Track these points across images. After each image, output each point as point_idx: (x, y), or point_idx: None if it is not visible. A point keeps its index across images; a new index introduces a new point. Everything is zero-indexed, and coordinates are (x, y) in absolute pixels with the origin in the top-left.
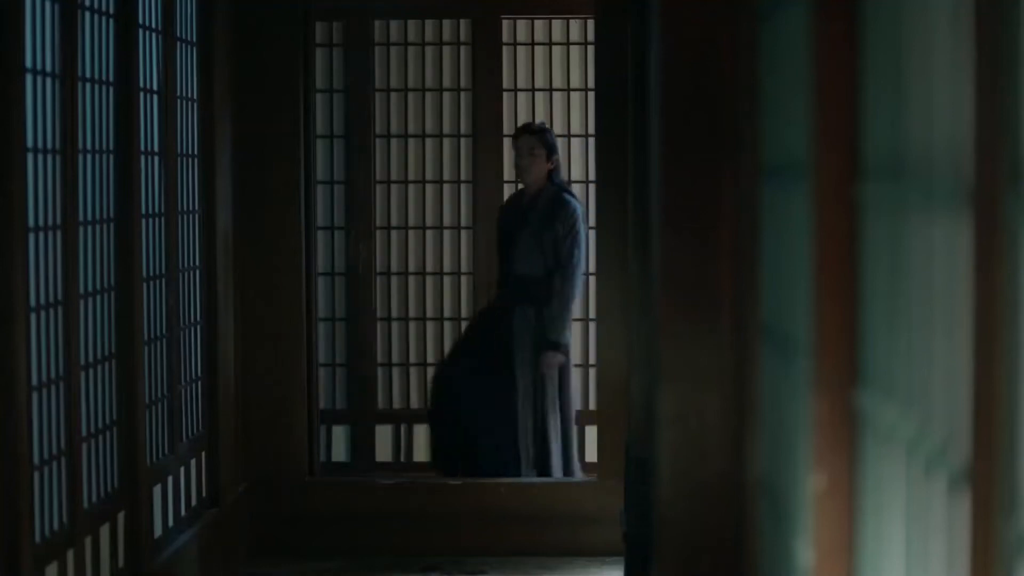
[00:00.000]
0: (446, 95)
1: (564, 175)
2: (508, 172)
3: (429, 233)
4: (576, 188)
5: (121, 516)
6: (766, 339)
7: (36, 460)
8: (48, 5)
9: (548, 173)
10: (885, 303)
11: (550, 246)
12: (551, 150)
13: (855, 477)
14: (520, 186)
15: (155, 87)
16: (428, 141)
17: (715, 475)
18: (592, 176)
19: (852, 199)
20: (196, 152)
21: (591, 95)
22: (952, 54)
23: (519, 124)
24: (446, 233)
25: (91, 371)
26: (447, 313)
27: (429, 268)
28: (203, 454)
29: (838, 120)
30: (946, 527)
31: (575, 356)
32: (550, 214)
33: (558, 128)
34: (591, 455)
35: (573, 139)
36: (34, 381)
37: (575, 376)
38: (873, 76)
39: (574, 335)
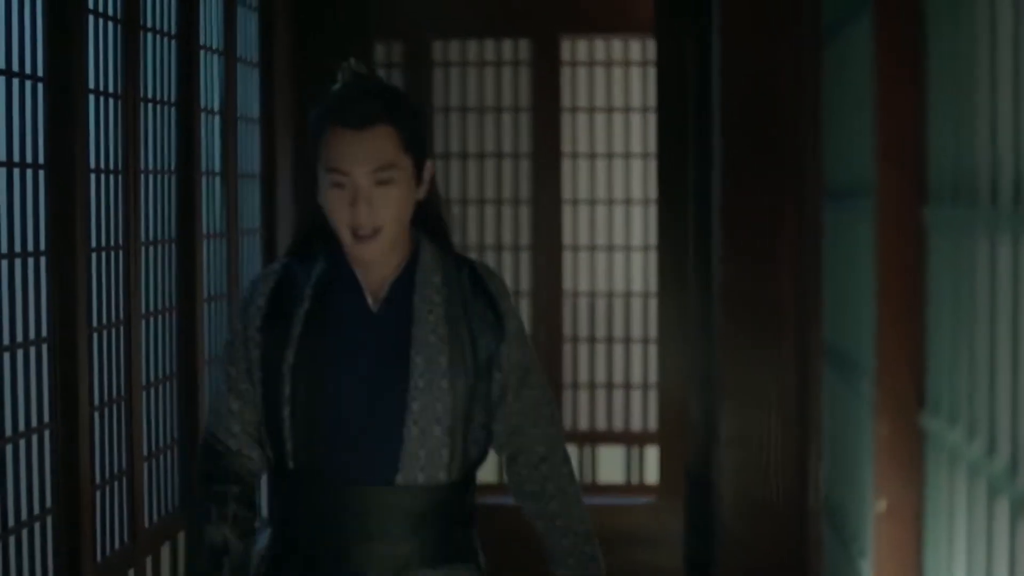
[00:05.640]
0: (505, 115)
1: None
2: (568, 190)
3: (488, 253)
4: (636, 209)
5: (182, 535)
6: (829, 360)
7: (98, 479)
8: (111, 26)
9: (415, 211)
10: (950, 326)
11: (480, 402)
12: (421, 152)
13: (919, 500)
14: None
15: (216, 107)
16: (487, 161)
17: (777, 496)
18: (653, 195)
19: (917, 220)
20: (257, 172)
21: (652, 115)
22: (1019, 74)
23: (577, 144)
24: (505, 254)
25: (152, 390)
26: None
27: None
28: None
29: (902, 141)
30: (1009, 551)
31: (636, 376)
32: (479, 319)
33: (618, 147)
34: (652, 476)
35: (633, 159)
36: (96, 400)
37: (635, 397)
38: (938, 97)
39: (634, 356)
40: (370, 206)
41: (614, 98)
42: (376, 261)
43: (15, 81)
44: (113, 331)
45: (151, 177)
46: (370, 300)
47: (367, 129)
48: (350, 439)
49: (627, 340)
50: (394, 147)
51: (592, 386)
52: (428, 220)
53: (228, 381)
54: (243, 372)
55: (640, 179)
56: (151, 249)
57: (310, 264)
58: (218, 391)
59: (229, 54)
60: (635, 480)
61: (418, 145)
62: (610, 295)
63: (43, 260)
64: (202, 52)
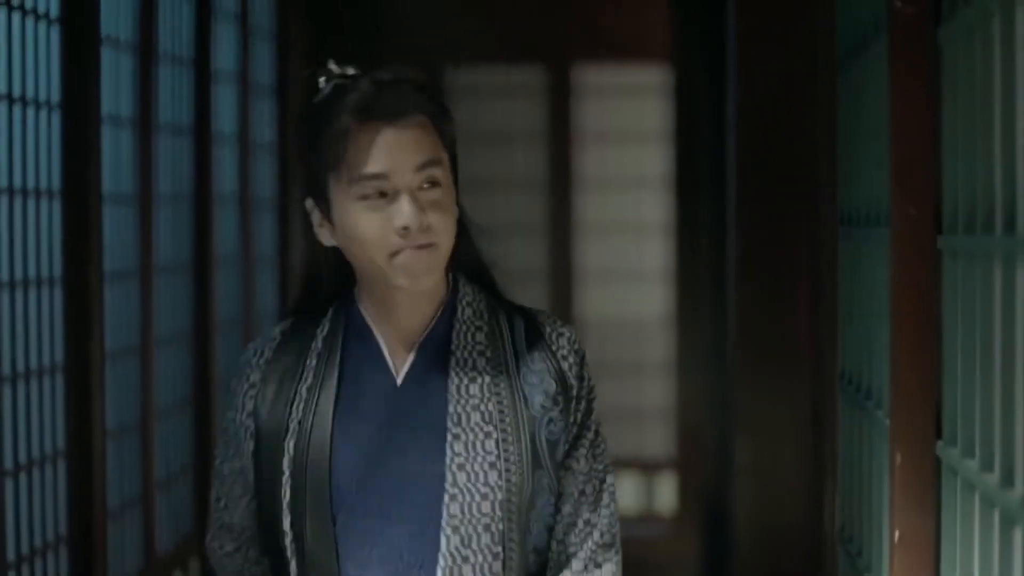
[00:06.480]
0: (517, 141)
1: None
2: (582, 217)
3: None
4: (651, 236)
5: (195, 562)
6: (844, 389)
7: (112, 506)
8: (125, 52)
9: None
10: (966, 356)
11: (547, 499)
12: (455, 151)
13: (934, 530)
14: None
15: (231, 133)
16: (499, 188)
17: (793, 524)
18: (668, 223)
19: (932, 249)
20: (272, 199)
21: (666, 141)
22: None
23: (591, 170)
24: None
25: (167, 417)
26: None
27: None
28: None
29: (918, 170)
30: None
31: (652, 404)
32: (538, 390)
33: (632, 173)
34: (668, 504)
35: (648, 186)
36: (110, 427)
37: (651, 426)
38: (954, 126)
39: (650, 384)
40: (422, 213)
41: (627, 124)
42: (415, 296)
43: (30, 108)
44: (128, 358)
45: (166, 203)
46: (393, 369)
47: (403, 118)
48: (369, 563)
49: (641, 368)
50: (435, 141)
51: (607, 414)
52: (463, 253)
53: (222, 485)
54: (237, 472)
55: (654, 206)
56: (166, 275)
57: (315, 324)
58: (214, 496)
59: (244, 81)
60: (652, 508)
61: (453, 142)
62: (624, 323)
63: (57, 287)
64: (217, 79)
